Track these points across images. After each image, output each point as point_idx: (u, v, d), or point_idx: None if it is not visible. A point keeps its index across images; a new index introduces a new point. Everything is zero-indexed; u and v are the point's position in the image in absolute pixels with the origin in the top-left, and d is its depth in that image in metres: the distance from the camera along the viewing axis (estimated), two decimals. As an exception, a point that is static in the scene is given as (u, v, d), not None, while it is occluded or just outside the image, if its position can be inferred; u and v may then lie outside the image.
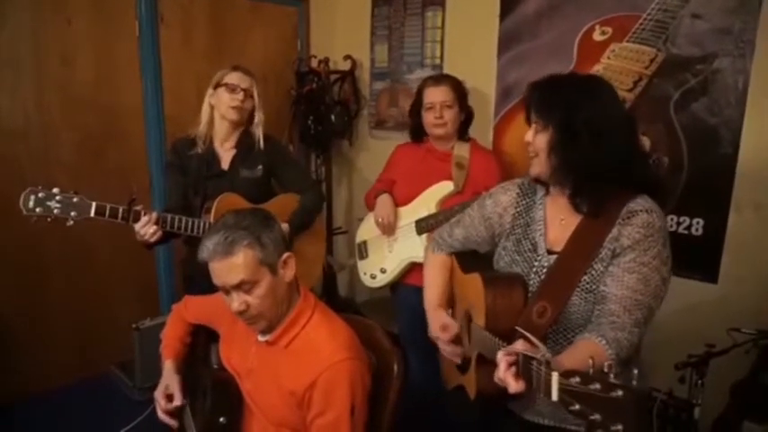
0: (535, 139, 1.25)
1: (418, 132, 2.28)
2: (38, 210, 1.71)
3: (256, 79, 2.13)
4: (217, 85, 2.07)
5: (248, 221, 1.31)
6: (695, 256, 2.19)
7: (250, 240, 1.27)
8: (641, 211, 1.19)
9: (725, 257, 2.15)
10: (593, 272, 1.21)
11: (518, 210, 1.39)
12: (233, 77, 2.06)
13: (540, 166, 1.27)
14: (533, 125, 1.26)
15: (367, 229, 2.39)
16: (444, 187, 2.17)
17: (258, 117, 2.13)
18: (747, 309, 2.06)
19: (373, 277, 2.33)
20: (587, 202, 1.22)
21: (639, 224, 1.18)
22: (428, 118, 2.18)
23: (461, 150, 2.22)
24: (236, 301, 1.30)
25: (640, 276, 1.17)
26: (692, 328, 2.14)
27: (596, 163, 1.18)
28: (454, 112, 2.18)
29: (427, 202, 2.20)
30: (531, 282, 1.29)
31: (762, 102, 2.03)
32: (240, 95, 2.05)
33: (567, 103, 1.20)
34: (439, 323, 1.45)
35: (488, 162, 2.24)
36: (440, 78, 2.26)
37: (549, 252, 1.29)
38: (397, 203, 2.28)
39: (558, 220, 1.31)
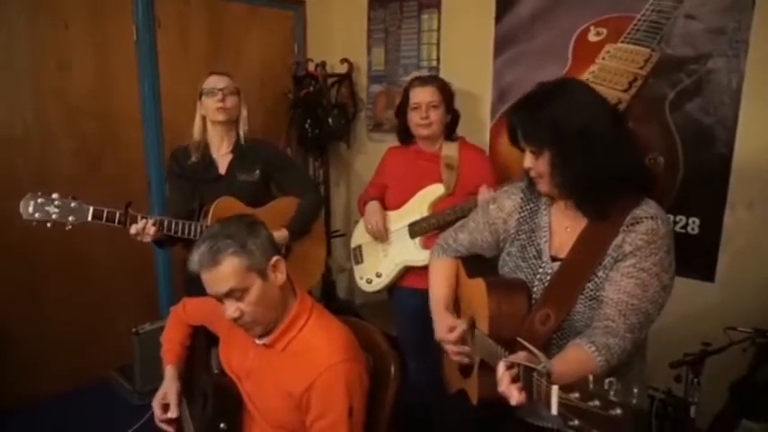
0: (536, 165, 1.24)
1: (405, 133, 2.28)
2: (37, 215, 1.75)
3: (234, 77, 2.17)
4: (200, 95, 2.13)
5: (233, 229, 1.32)
6: (692, 255, 2.20)
7: (235, 248, 1.28)
8: (646, 218, 1.19)
9: (721, 256, 2.16)
10: (597, 279, 1.21)
11: (522, 215, 1.38)
12: (209, 82, 2.12)
13: (547, 186, 1.26)
14: (527, 152, 1.25)
15: (361, 234, 2.39)
16: (435, 190, 2.18)
17: (242, 114, 2.16)
18: (745, 307, 2.07)
19: (369, 282, 2.34)
20: (594, 206, 1.22)
21: (643, 231, 1.18)
22: (414, 118, 2.18)
23: (449, 150, 2.22)
24: (230, 308, 1.31)
25: (638, 281, 1.16)
26: (689, 327, 2.14)
27: (598, 167, 1.17)
28: (440, 112, 2.18)
29: (419, 205, 2.20)
30: (536, 288, 1.29)
31: (756, 101, 2.04)
32: (218, 95, 2.08)
33: (553, 121, 1.18)
34: (445, 325, 1.43)
35: (478, 160, 2.24)
36: (426, 79, 2.27)
37: (554, 259, 1.29)
38: (390, 207, 2.28)
39: (563, 227, 1.31)
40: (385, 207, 2.30)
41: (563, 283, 1.24)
